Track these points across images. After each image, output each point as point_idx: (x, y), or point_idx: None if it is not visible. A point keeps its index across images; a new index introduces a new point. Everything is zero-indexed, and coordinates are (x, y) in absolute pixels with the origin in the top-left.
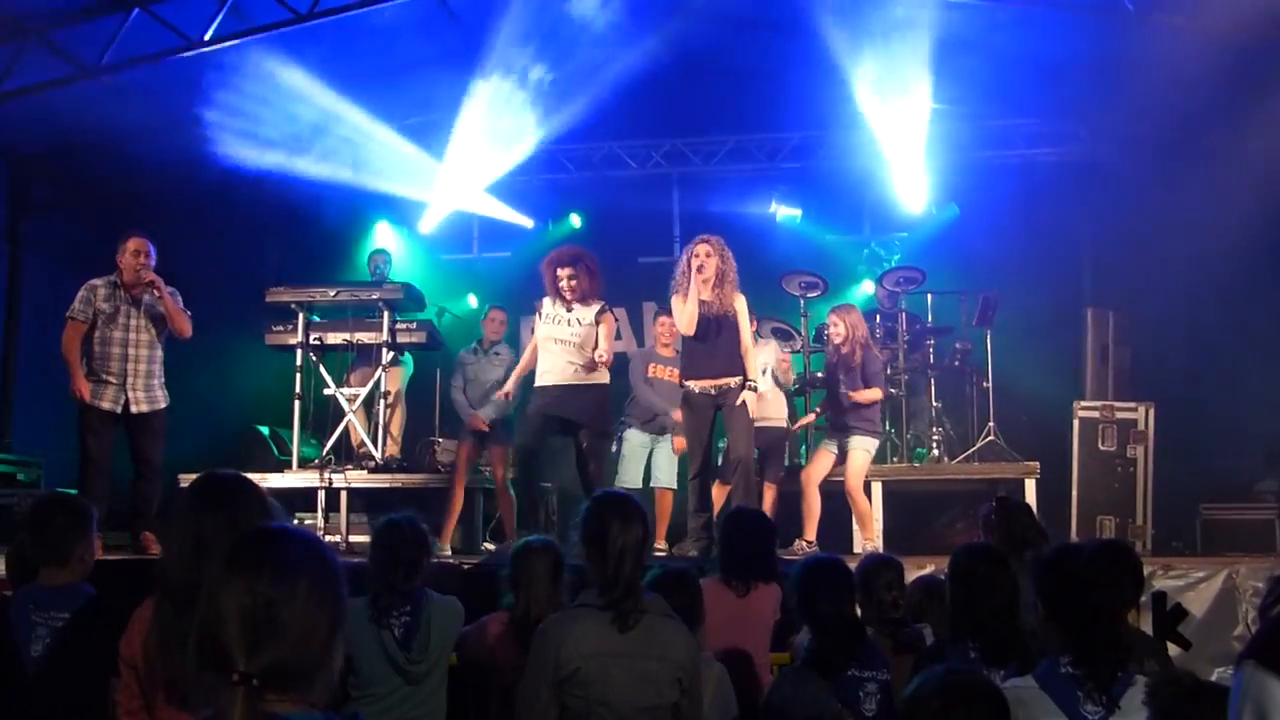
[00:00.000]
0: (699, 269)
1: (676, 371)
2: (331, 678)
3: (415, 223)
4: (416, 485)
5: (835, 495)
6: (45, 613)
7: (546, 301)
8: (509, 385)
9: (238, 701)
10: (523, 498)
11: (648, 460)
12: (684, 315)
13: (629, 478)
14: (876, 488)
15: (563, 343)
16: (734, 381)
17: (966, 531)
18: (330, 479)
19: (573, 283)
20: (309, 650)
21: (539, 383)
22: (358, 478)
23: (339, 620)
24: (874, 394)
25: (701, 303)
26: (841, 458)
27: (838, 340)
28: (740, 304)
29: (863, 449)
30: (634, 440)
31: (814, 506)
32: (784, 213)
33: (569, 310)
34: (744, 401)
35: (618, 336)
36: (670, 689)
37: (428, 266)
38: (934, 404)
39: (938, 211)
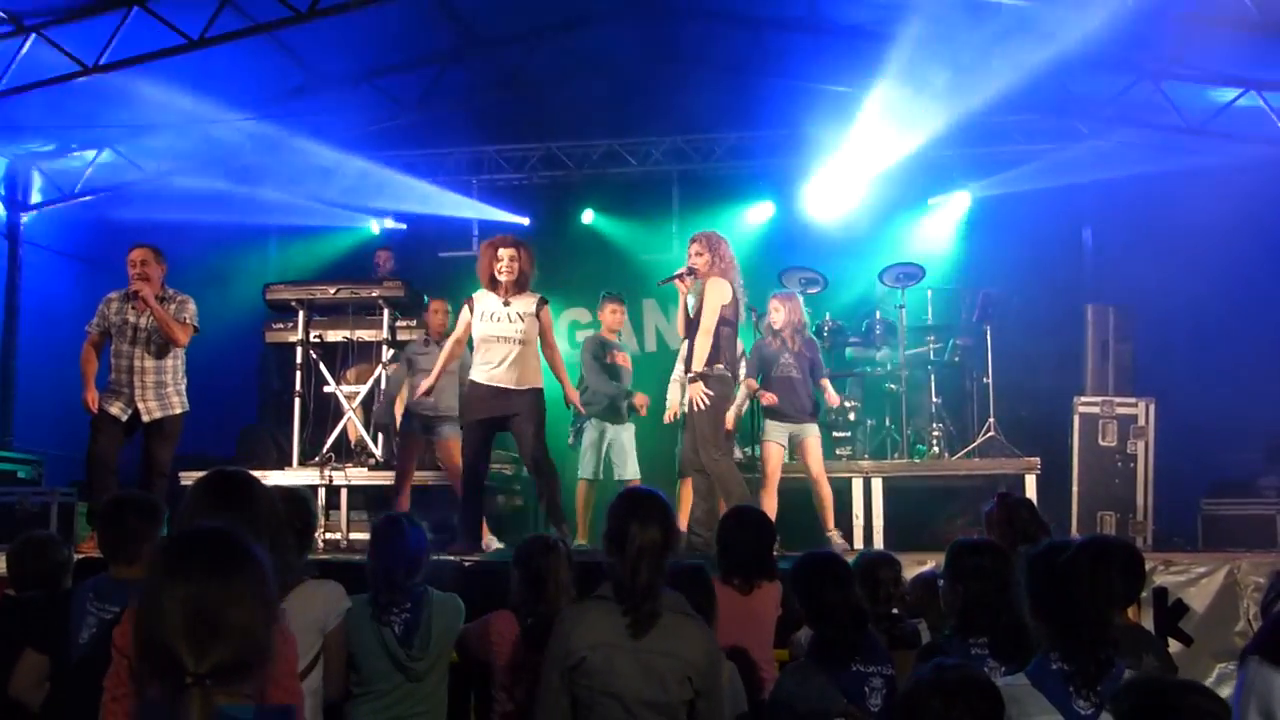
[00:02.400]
0: (687, 273)
1: (622, 356)
2: (269, 670)
3: (413, 219)
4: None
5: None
6: (101, 604)
7: (479, 297)
8: (430, 380)
9: (194, 702)
10: (473, 510)
11: (606, 452)
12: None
13: (587, 472)
14: (876, 484)
15: (506, 340)
16: (689, 374)
17: (967, 528)
18: (330, 477)
19: (514, 264)
20: (250, 646)
21: (477, 376)
22: (358, 475)
23: (274, 615)
24: (828, 385)
25: (691, 300)
26: (790, 448)
27: (778, 325)
28: (707, 288)
29: (816, 435)
30: (591, 432)
31: (773, 503)
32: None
33: (506, 304)
34: (691, 396)
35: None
36: (679, 687)
37: (427, 264)
38: (934, 400)
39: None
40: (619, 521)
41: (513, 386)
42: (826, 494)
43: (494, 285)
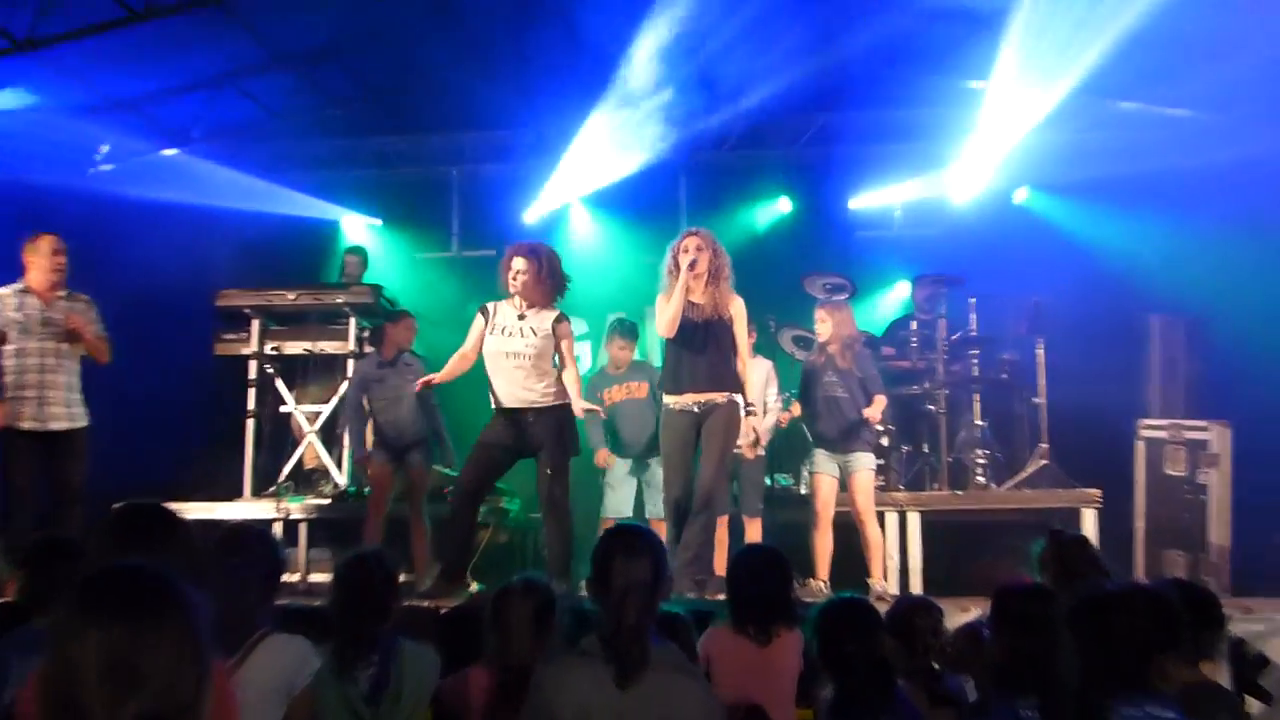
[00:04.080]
0: (691, 265)
1: (635, 385)
2: None
3: (388, 216)
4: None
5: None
6: (25, 660)
7: (494, 306)
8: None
9: None
10: (459, 542)
11: (639, 488)
12: (665, 315)
13: (616, 507)
14: (913, 519)
15: (515, 356)
16: (720, 398)
17: (1015, 570)
18: (287, 509)
19: (524, 278)
20: (175, 699)
21: (493, 400)
22: (319, 507)
23: (205, 665)
24: (882, 402)
25: (690, 305)
26: (842, 480)
27: (823, 338)
28: (737, 308)
29: (867, 467)
30: (619, 468)
31: (828, 541)
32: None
33: (521, 318)
34: (730, 421)
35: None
36: None
37: (401, 267)
38: (978, 423)
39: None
40: (603, 558)
41: (532, 405)
42: (873, 535)
43: (512, 296)
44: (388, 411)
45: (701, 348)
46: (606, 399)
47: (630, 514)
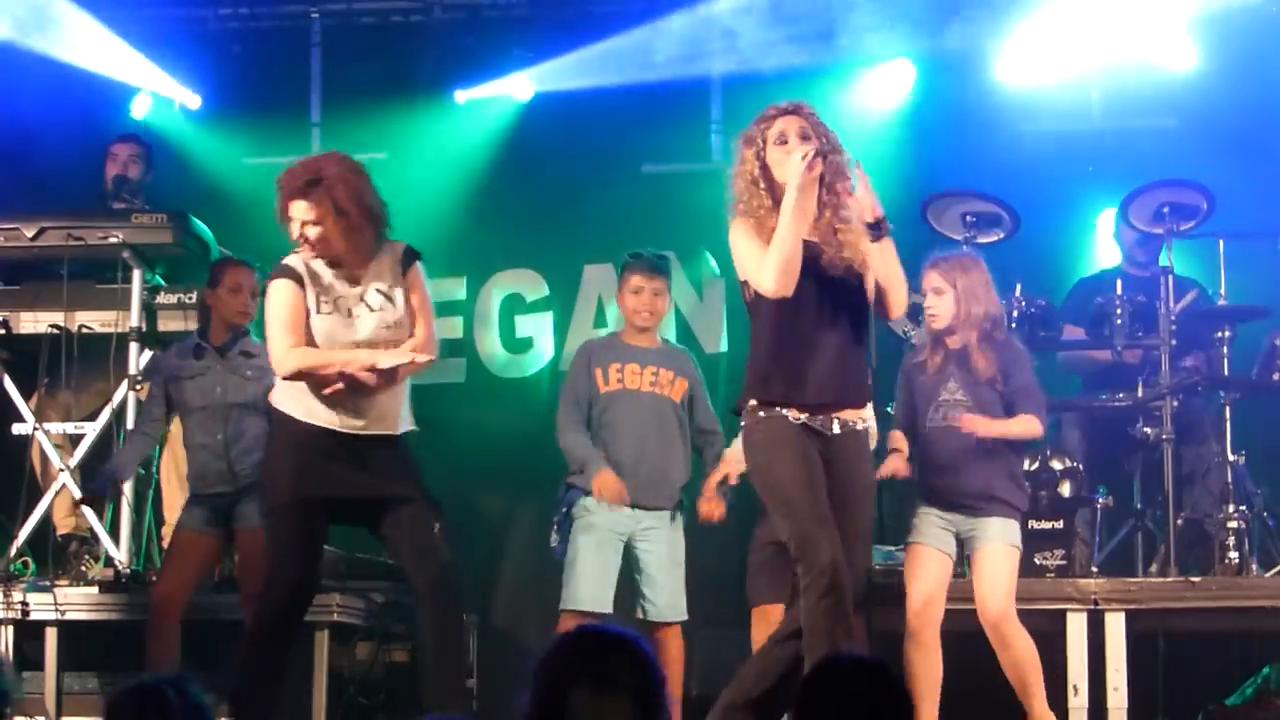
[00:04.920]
0: (810, 162)
1: (665, 375)
2: None
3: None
4: (194, 617)
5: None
6: None
7: (305, 265)
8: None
9: None
10: (269, 668)
11: (626, 560)
12: (776, 255)
13: (590, 594)
14: (1115, 624)
15: (373, 348)
16: (859, 419)
17: None
18: (25, 604)
19: (317, 230)
20: None
21: (300, 409)
22: (80, 599)
23: None
24: (1030, 426)
25: (807, 247)
26: (961, 557)
27: (939, 324)
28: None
29: (1006, 541)
30: (599, 522)
31: (932, 665)
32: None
33: (354, 283)
34: (870, 462)
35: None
36: None
37: (228, 179)
38: (1231, 457)
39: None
40: (550, 683)
41: (379, 432)
42: (1022, 652)
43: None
44: (206, 433)
45: (827, 327)
46: (604, 381)
47: (609, 609)
